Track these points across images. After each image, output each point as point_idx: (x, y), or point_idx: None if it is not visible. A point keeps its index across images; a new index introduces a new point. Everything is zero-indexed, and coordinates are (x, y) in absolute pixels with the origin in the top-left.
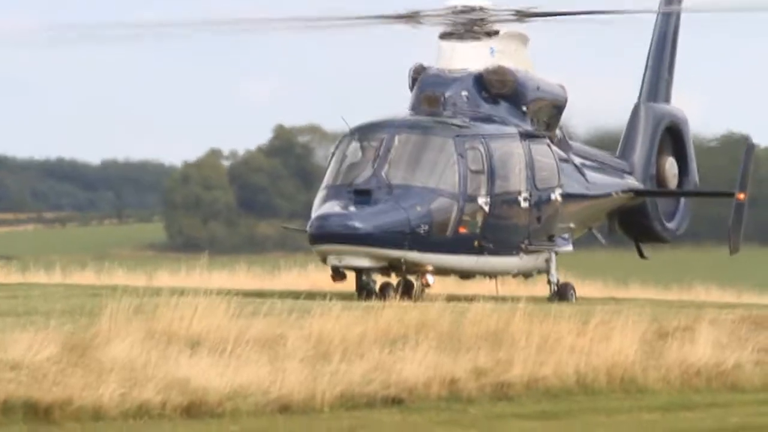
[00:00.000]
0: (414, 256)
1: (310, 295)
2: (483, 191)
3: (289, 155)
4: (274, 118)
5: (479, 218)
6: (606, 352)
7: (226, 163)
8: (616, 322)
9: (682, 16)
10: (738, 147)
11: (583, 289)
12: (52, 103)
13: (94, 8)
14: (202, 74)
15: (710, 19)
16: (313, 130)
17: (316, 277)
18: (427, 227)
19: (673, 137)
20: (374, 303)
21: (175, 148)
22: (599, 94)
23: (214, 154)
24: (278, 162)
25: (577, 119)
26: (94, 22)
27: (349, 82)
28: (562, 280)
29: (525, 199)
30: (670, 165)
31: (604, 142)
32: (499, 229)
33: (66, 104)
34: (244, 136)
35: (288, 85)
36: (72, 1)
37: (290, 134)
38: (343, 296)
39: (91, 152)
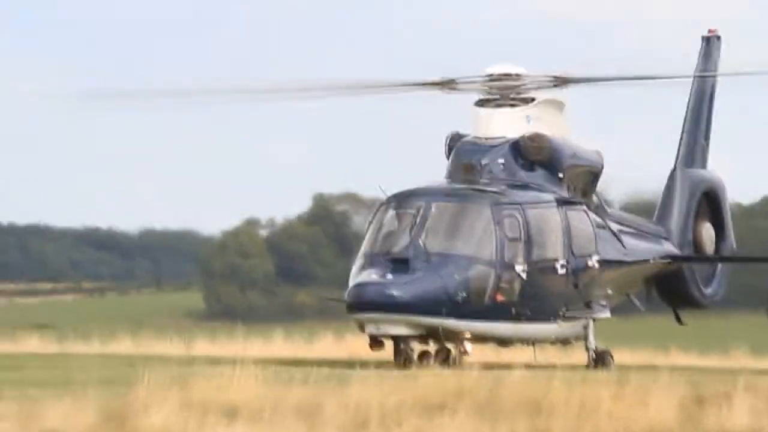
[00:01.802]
0: (451, 323)
1: (348, 364)
2: (520, 259)
3: (328, 223)
4: (309, 185)
5: (516, 285)
6: (644, 418)
7: (263, 232)
8: (653, 387)
9: (718, 80)
10: None
11: (621, 356)
12: (88, 171)
13: (131, 74)
14: (238, 141)
15: (747, 82)
16: (350, 197)
17: (354, 345)
18: (464, 295)
19: (709, 203)
20: (412, 371)
21: (211, 217)
22: (636, 160)
23: (251, 222)
24: (317, 230)
25: (614, 185)
26: (131, 88)
27: (386, 149)
28: (600, 348)
29: (562, 266)
30: (707, 230)
31: (640, 208)
32: (537, 296)
33: (102, 172)
34: (280, 203)
35: (323, 151)
36: (109, 67)
37: (328, 202)
38: (381, 364)
39: (128, 221)
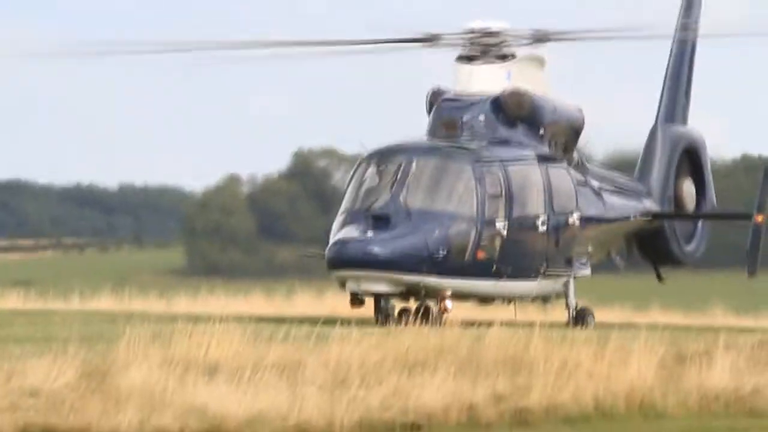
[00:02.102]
0: (432, 280)
1: (329, 321)
2: (501, 215)
3: (308, 179)
4: (291, 141)
5: (497, 243)
6: (624, 377)
7: (244, 189)
8: (634, 346)
9: (699, 37)
10: (756, 169)
11: (601, 314)
12: (70, 126)
13: (111, 28)
14: (219, 97)
15: (728, 42)
16: (331, 153)
17: (335, 302)
18: (445, 252)
19: (690, 159)
20: (393, 328)
21: (193, 173)
22: (617, 117)
23: (233, 179)
24: (297, 186)
25: (595, 142)
26: (112, 42)
27: (367, 105)
28: (580, 306)
29: (543, 223)
30: (688, 187)
31: (621, 165)
32: (517, 254)
33: (83, 128)
34: (261, 159)
35: (305, 107)
36: (89, 21)
37: (308, 158)
38: (362, 322)
39: (109, 177)
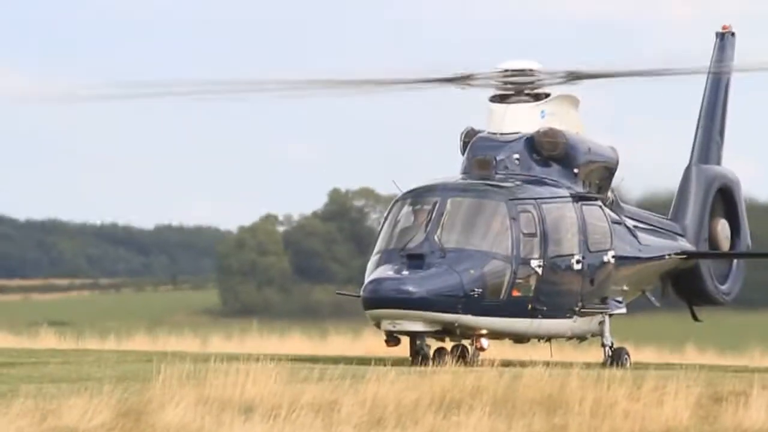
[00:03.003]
0: (468, 319)
1: (364, 361)
2: (536, 254)
3: (344, 220)
4: (326, 182)
5: (533, 281)
6: (660, 417)
7: (280, 228)
8: (669, 386)
9: (733, 75)
10: None
11: (637, 354)
12: (106, 166)
13: (147, 68)
14: (254, 137)
15: (761, 79)
16: (367, 193)
17: (370, 342)
18: (480, 291)
19: (725, 199)
20: (429, 368)
21: (228, 213)
22: (652, 157)
23: (269, 219)
24: (333, 227)
25: (630, 182)
26: (147, 82)
27: (401, 145)
28: (616, 345)
29: (578, 262)
30: (722, 227)
31: (656, 204)
32: (553, 292)
33: (120, 168)
34: (298, 199)
35: (340, 148)
36: (127, 61)
37: (345, 198)
38: (398, 362)
39: (145, 217)
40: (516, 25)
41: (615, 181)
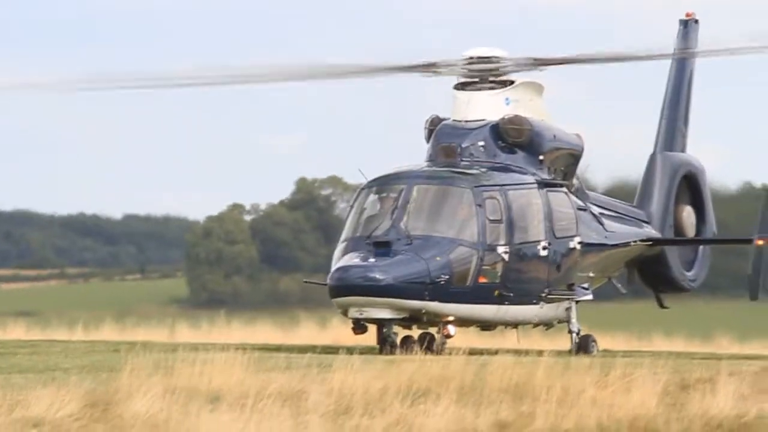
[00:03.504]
0: (435, 306)
1: (332, 350)
2: (502, 241)
3: (311, 208)
4: (294, 171)
5: (499, 268)
6: (628, 404)
7: (248, 218)
8: (637, 373)
9: (696, 63)
10: (757, 198)
11: (605, 342)
12: (73, 157)
13: (114, 61)
14: (221, 127)
15: (727, 68)
16: (335, 182)
17: (338, 331)
18: (447, 277)
19: (690, 186)
20: (396, 357)
21: (196, 202)
22: (620, 145)
23: (236, 208)
24: (300, 215)
25: (598, 170)
26: (114, 75)
27: (368, 134)
28: (583, 333)
29: (544, 248)
30: (688, 214)
31: (624, 192)
32: (519, 279)
33: (87, 158)
34: (265, 188)
35: (307, 137)
36: (91, 54)
37: (312, 187)
38: (365, 350)
39: (112, 207)
40: (480, 13)
41: (580, 169)
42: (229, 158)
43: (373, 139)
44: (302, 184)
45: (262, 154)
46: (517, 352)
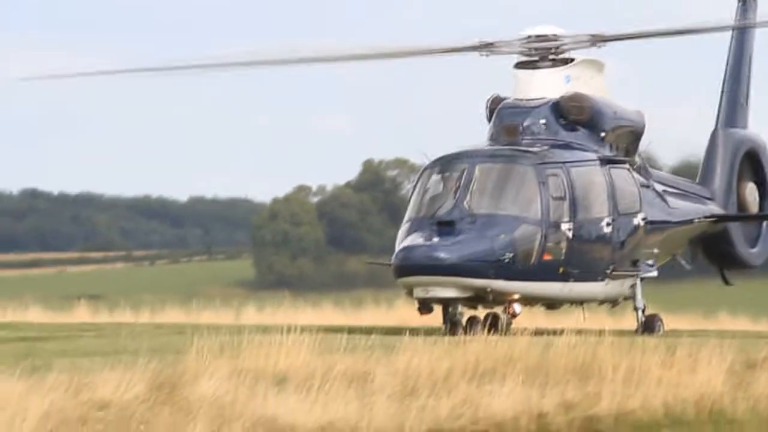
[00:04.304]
0: (500, 284)
1: (398, 331)
2: (566, 218)
3: (378, 190)
4: (360, 152)
5: (563, 245)
6: (694, 383)
7: (314, 199)
8: (703, 353)
9: (756, 39)
10: None
11: (670, 321)
12: (140, 140)
13: (179, 44)
14: (288, 109)
15: None
16: (401, 163)
17: (404, 312)
18: (511, 255)
19: (752, 163)
20: (461, 337)
21: (262, 185)
22: (683, 122)
23: (302, 190)
24: (367, 197)
25: (659, 147)
26: (179, 58)
27: (433, 114)
28: (649, 312)
29: (608, 225)
30: (751, 191)
31: (691, 170)
32: (584, 256)
33: (153, 141)
34: (331, 170)
35: (373, 118)
36: (160, 36)
37: (378, 168)
38: (431, 331)
39: (178, 189)
40: None
41: (642, 146)
42: (294, 140)
43: (434, 120)
44: (368, 166)
45: (327, 136)
46: (583, 332)
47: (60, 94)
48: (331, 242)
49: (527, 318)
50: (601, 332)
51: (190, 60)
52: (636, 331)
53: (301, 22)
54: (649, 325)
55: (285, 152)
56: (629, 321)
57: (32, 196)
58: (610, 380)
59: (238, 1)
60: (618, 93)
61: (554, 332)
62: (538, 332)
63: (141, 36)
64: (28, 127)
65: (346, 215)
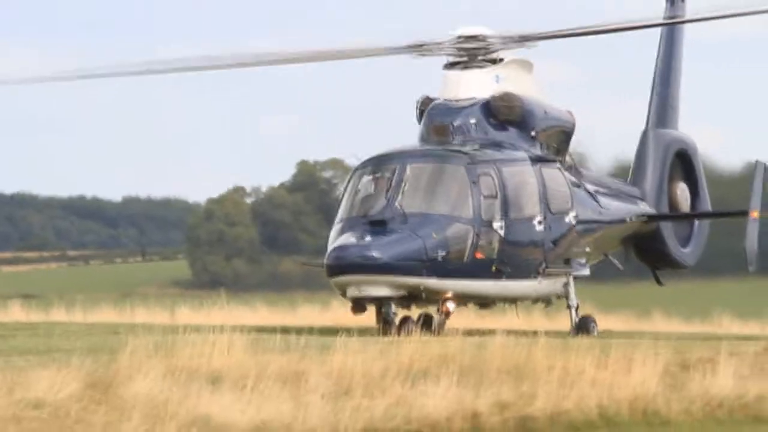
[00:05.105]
0: (433, 282)
1: (332, 331)
2: (497, 216)
3: (312, 191)
4: (295, 153)
5: (495, 243)
6: (628, 384)
7: (249, 200)
8: (637, 354)
9: (685, 40)
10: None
11: (604, 322)
12: (74, 140)
13: (115, 46)
14: (222, 110)
15: (722, 47)
16: (336, 164)
17: (338, 312)
18: (444, 253)
19: (683, 163)
20: (395, 337)
21: (196, 185)
22: (613, 123)
23: (237, 190)
24: (301, 198)
25: (591, 148)
26: (115, 60)
27: (365, 115)
28: (582, 313)
29: (539, 223)
30: (682, 191)
31: (624, 171)
32: (516, 253)
33: (87, 141)
34: (266, 171)
35: (308, 119)
36: (92, 39)
37: (313, 169)
38: (365, 331)
39: (112, 189)
40: None
41: (572, 146)
42: (229, 140)
43: (367, 121)
44: (303, 167)
45: (262, 137)
46: (517, 333)
47: None
48: (265, 242)
49: (460, 318)
50: (535, 332)
51: (127, 62)
52: (570, 332)
53: (239, 25)
54: (583, 326)
55: (220, 153)
56: (563, 321)
57: None
58: (545, 381)
59: (182, 5)
60: (548, 93)
61: (488, 332)
62: (472, 333)
63: (81, 39)
64: None
65: (280, 216)
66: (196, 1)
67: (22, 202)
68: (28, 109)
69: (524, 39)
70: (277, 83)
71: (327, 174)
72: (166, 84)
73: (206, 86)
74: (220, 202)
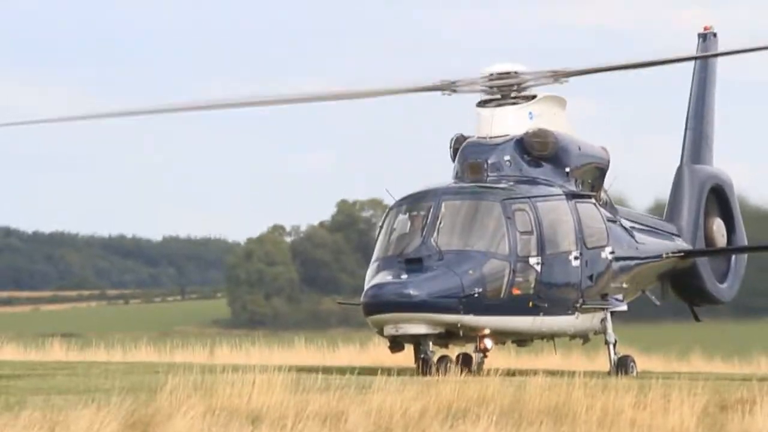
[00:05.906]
0: (470, 320)
1: (371, 370)
2: (534, 252)
3: (352, 230)
4: (334, 193)
5: (532, 279)
6: (666, 425)
7: (288, 239)
8: (675, 394)
9: (718, 74)
10: None
11: (643, 362)
12: (113, 180)
13: (158, 84)
14: (262, 149)
15: (756, 86)
16: (375, 204)
17: (377, 352)
18: (480, 290)
19: (718, 199)
20: (434, 377)
21: (236, 224)
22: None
23: (277, 229)
24: (341, 237)
25: (639, 190)
26: (157, 99)
27: (408, 155)
28: (621, 353)
29: (576, 258)
30: (718, 226)
31: (662, 209)
32: (553, 289)
33: (128, 180)
34: (305, 210)
35: (348, 159)
36: (135, 76)
37: (353, 209)
38: (403, 371)
39: (152, 229)
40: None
41: (607, 182)
42: (269, 180)
43: (402, 158)
44: (343, 206)
45: (302, 176)
46: (555, 373)
47: (35, 134)
48: (304, 282)
49: (499, 358)
50: (574, 373)
51: (165, 102)
52: (609, 372)
53: (272, 64)
54: (622, 366)
55: (259, 192)
56: (601, 360)
57: (6, 234)
58: (584, 421)
59: (211, 43)
60: (583, 129)
61: (527, 372)
62: (511, 373)
63: (118, 77)
64: (3, 166)
65: (320, 255)
66: (238, 41)
67: (61, 241)
68: (69, 148)
69: (556, 74)
70: (319, 121)
71: (367, 213)
72: (208, 122)
73: (246, 125)
74: (260, 242)
